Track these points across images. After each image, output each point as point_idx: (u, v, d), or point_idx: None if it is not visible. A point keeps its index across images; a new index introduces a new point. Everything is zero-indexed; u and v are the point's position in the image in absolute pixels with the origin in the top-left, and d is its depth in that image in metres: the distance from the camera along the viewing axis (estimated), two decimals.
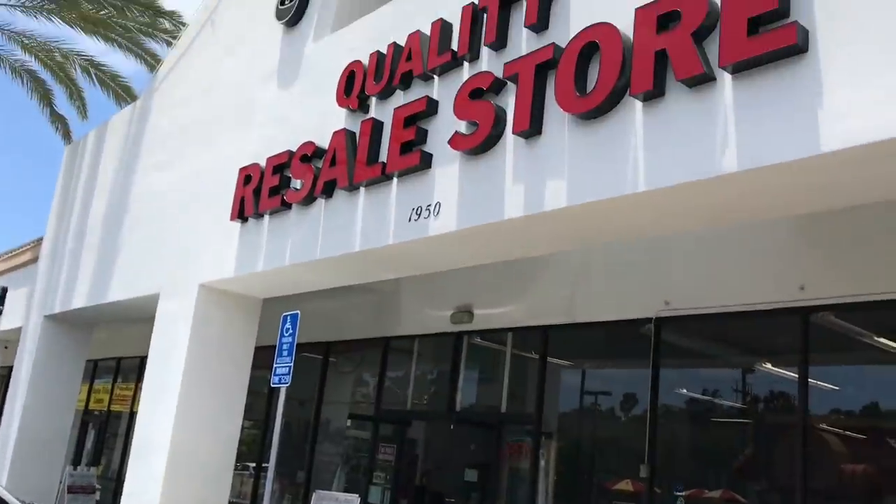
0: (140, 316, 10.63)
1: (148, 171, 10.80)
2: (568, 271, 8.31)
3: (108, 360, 16.32)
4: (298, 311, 7.30)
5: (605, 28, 5.02)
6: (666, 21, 4.68)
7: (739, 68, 4.28)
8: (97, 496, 12.81)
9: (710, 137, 4.39)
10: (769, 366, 7.23)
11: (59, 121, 17.96)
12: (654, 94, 4.67)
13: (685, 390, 7.70)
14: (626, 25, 4.91)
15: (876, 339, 6.62)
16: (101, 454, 16.23)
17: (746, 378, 7.41)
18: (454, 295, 9.38)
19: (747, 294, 6.74)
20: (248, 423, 11.51)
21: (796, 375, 6.55)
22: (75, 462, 14.34)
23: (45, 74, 17.24)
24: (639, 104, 4.78)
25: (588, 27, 5.15)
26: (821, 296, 6.31)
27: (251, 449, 11.96)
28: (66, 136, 17.87)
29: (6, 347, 16.73)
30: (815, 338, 6.54)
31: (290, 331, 7.14)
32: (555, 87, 5.26)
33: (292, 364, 7.04)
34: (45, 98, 17.61)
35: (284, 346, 7.14)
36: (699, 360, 7.95)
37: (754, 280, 6.79)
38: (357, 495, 9.03)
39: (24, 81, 17.32)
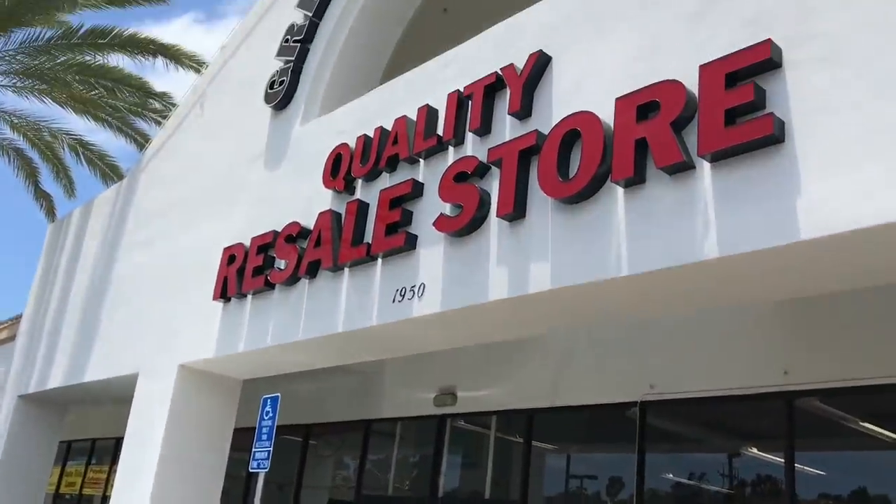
0: (117, 396, 10.43)
1: (131, 249, 10.78)
2: (552, 354, 8.29)
3: (82, 442, 15.92)
4: (279, 394, 7.20)
5: (587, 116, 5.15)
6: (645, 111, 4.81)
7: (718, 157, 4.38)
8: None
9: (690, 224, 4.46)
10: (755, 450, 7.17)
11: (43, 198, 18.01)
12: (634, 180, 4.75)
13: (671, 475, 7.60)
14: (606, 114, 5.04)
15: (861, 424, 6.59)
16: None
17: (733, 462, 7.33)
18: (437, 377, 9.30)
19: (731, 378, 6.74)
20: None
21: (783, 460, 6.48)
22: None
23: (32, 153, 17.39)
24: (620, 190, 4.86)
25: (570, 115, 5.28)
26: (805, 380, 6.32)
27: None
28: (50, 213, 17.89)
29: None
30: (800, 422, 6.52)
31: (270, 414, 7.02)
32: (538, 172, 5.35)
33: (271, 448, 6.90)
34: (31, 176, 17.70)
35: (264, 430, 7.00)
36: (685, 444, 7.87)
37: (738, 364, 6.80)
38: None
39: (11, 159, 17.44)
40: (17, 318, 13.83)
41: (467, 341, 6.93)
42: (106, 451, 14.99)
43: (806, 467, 6.46)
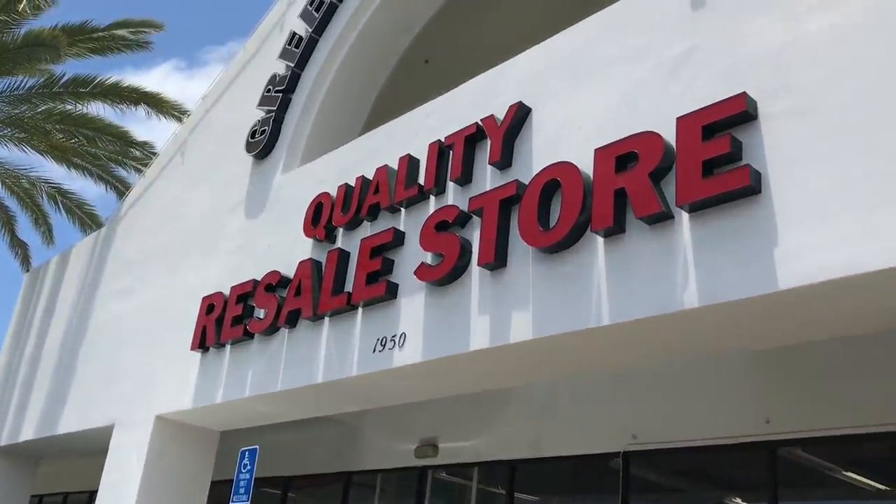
0: (91, 449, 10.20)
1: (109, 298, 10.66)
2: (534, 404, 8.23)
3: (55, 496, 15.51)
4: (257, 447, 7.07)
5: (566, 167, 5.19)
6: (624, 161, 4.86)
7: (696, 207, 4.43)
8: None
9: (670, 273, 4.48)
10: (739, 500, 7.11)
11: (19, 246, 17.83)
12: (614, 230, 4.78)
13: None
14: (586, 165, 5.09)
15: (844, 473, 6.57)
16: None
17: None
18: (418, 428, 9.19)
19: (713, 427, 6.71)
20: None
21: None
22: None
23: (10, 200, 17.27)
24: (600, 240, 4.88)
25: (550, 165, 5.33)
26: (787, 429, 6.29)
27: None
28: (26, 262, 17.69)
29: None
30: (783, 471, 6.47)
31: (248, 467, 6.88)
32: (518, 221, 5.37)
33: (249, 502, 6.75)
34: (7, 224, 17.55)
35: (241, 484, 6.86)
36: (669, 494, 7.80)
37: (720, 413, 6.77)
38: None
39: None
40: None
41: (449, 391, 6.87)
42: None
43: None
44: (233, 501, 6.86)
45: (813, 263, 3.90)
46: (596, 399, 7.65)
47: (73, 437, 10.29)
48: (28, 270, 15.54)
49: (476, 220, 5.74)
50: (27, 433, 11.02)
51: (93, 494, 9.27)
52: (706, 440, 6.73)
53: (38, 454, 12.04)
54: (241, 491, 6.81)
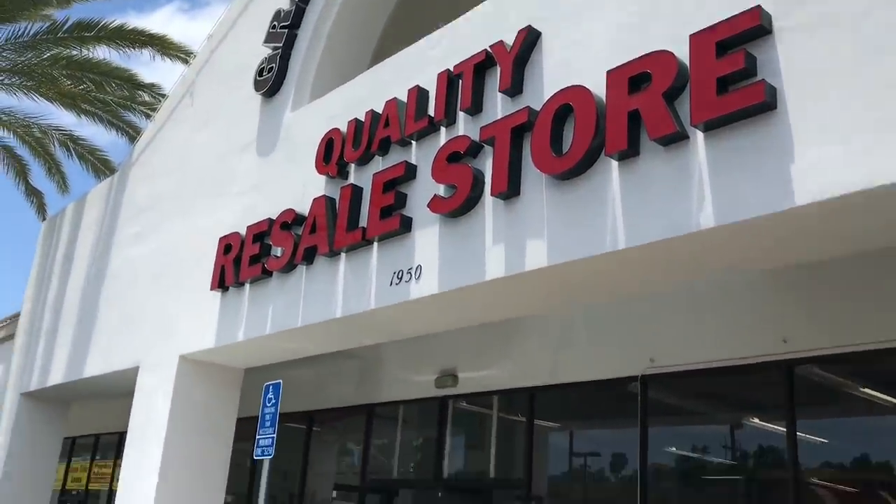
0: (119, 391, 10.43)
1: (126, 243, 10.74)
2: (552, 332, 8.29)
3: (86, 438, 15.94)
4: (281, 381, 7.21)
5: (578, 90, 5.12)
6: (637, 82, 4.78)
7: (711, 126, 4.36)
8: None
9: (685, 194, 4.44)
10: (757, 420, 7.19)
11: (34, 195, 17.91)
12: (628, 153, 4.73)
13: (674, 448, 7.62)
14: (598, 87, 5.01)
15: (861, 390, 6.62)
16: None
17: (735, 434, 7.35)
18: (438, 359, 9.30)
19: (730, 349, 6.74)
20: (231, 498, 11.21)
21: (784, 430, 6.50)
22: None
23: (22, 150, 17.28)
24: (615, 163, 4.84)
25: (561, 90, 5.25)
26: (804, 348, 6.32)
27: None
28: (41, 210, 17.79)
29: None
30: (800, 390, 6.53)
31: (273, 401, 7.03)
32: (531, 148, 5.32)
33: (275, 435, 6.91)
34: (21, 173, 17.59)
35: (267, 417, 7.01)
36: (687, 417, 7.89)
37: (737, 334, 6.80)
38: None
39: (1, 157, 17.32)
40: (15, 317, 13.79)
41: (466, 322, 6.92)
42: (110, 446, 15.02)
43: (808, 435, 6.48)
44: (259, 434, 7.02)
45: (830, 179, 3.86)
46: (613, 324, 7.69)
47: (99, 380, 10.52)
48: (45, 219, 15.66)
49: (488, 149, 5.70)
50: (55, 378, 11.27)
51: (123, 435, 9.50)
52: (724, 361, 6.78)
53: (68, 398, 12.32)
54: (267, 424, 6.96)
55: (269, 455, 6.92)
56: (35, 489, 11.96)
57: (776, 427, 6.69)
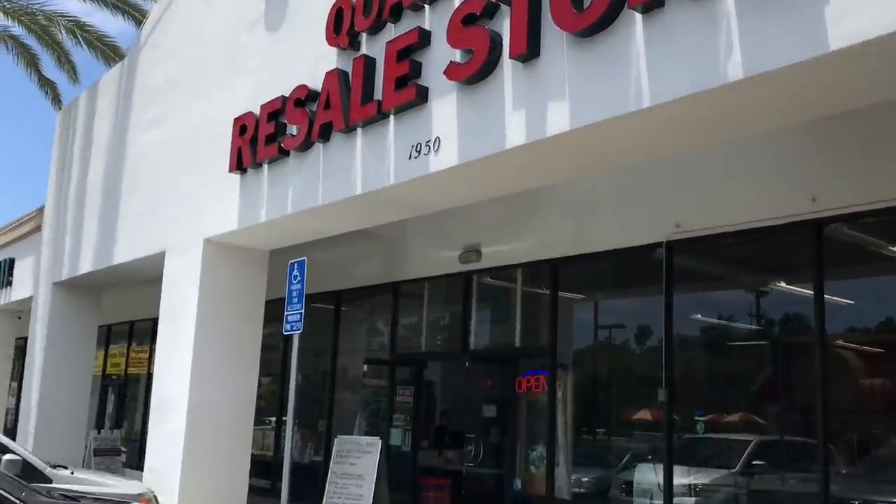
0: (148, 276, 10.60)
1: (142, 129, 10.65)
2: (574, 202, 8.17)
3: (122, 325, 16.39)
4: (305, 258, 7.24)
5: None
6: None
7: None
8: (123, 458, 12.98)
9: (712, 46, 4.23)
10: (784, 284, 7.14)
11: (47, 85, 17.70)
12: (653, 4, 4.49)
13: (700, 315, 7.63)
14: None
15: (890, 248, 6.51)
16: (123, 417, 16.41)
17: (761, 299, 7.33)
18: (461, 235, 9.28)
19: (758, 210, 6.60)
20: (266, 379, 11.56)
21: (811, 292, 6.44)
22: (98, 426, 14.51)
23: (30, 39, 16.95)
24: (638, 17, 4.60)
25: None
26: (833, 206, 6.17)
27: (270, 403, 12.04)
28: (56, 100, 17.62)
29: (20, 318, 16.81)
30: (828, 251, 6.42)
31: (299, 277, 7.08)
32: (550, 5, 5.07)
33: (303, 310, 7.00)
34: (32, 63, 17.33)
35: (294, 294, 7.09)
36: (713, 283, 7.86)
37: (764, 195, 6.63)
38: (378, 438, 9.11)
39: (10, 48, 17.04)
40: (41, 209, 13.92)
41: (487, 194, 6.83)
42: (145, 332, 15.44)
43: (835, 297, 6.42)
44: (287, 310, 7.12)
45: (865, 20, 3.65)
46: (637, 191, 7.54)
47: (127, 267, 10.68)
48: (60, 109, 15.53)
49: (504, 8, 5.44)
50: (85, 266, 11.46)
51: (156, 322, 9.71)
52: (751, 223, 6.66)
53: (99, 285, 12.59)
54: (295, 300, 7.04)
55: (298, 330, 7.04)
56: (75, 373, 12.42)
57: (803, 290, 6.63)
